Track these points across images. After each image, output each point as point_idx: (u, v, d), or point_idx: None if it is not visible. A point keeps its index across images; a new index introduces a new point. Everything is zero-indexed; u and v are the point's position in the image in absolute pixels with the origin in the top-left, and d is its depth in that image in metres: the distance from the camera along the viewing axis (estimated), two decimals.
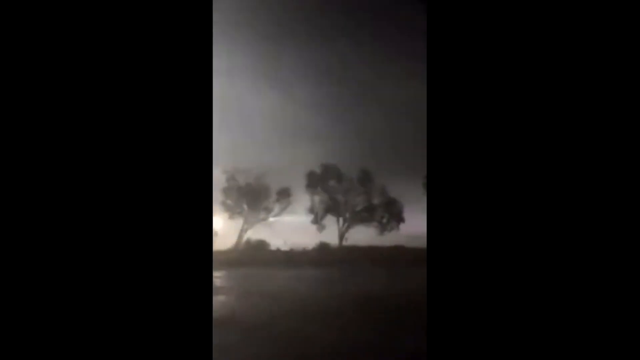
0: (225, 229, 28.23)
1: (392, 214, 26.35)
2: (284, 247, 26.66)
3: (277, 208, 27.55)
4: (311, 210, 26.36)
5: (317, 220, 26.17)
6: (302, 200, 26.93)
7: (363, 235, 26.15)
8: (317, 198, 26.01)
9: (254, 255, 25.40)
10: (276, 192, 27.45)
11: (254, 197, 27.19)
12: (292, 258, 24.60)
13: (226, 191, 27.41)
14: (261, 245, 27.10)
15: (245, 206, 27.54)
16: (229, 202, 27.55)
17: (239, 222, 27.99)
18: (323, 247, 25.97)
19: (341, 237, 26.50)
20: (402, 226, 26.64)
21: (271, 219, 27.93)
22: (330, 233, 26.49)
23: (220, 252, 25.43)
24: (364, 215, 26.08)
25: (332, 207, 25.85)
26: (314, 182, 26.23)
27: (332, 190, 26.01)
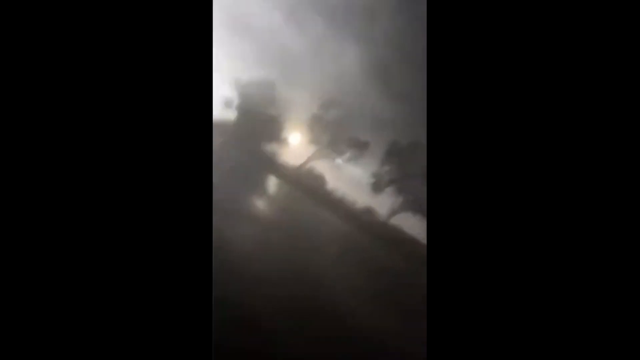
0: (298, 150, 29.55)
1: None
2: (337, 193, 27.29)
3: (349, 153, 27.69)
4: (376, 174, 25.99)
5: (380, 188, 25.88)
6: (374, 161, 26.67)
7: (413, 224, 25.43)
8: (386, 167, 25.34)
9: (307, 187, 26.44)
10: (352, 138, 27.40)
11: (335, 133, 27.53)
12: (337, 206, 25.22)
13: (314, 118, 28.04)
14: (320, 179, 28.03)
15: (325, 138, 28.13)
16: (313, 129, 28.28)
17: (311, 150, 28.84)
18: (368, 212, 26.04)
19: (390, 214, 26.17)
20: None
21: (339, 161, 28.38)
22: (383, 205, 26.22)
23: (286, 168, 26.98)
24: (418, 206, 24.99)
25: (396, 181, 25.15)
26: (395, 151, 25.49)
27: (405, 164, 25.04)
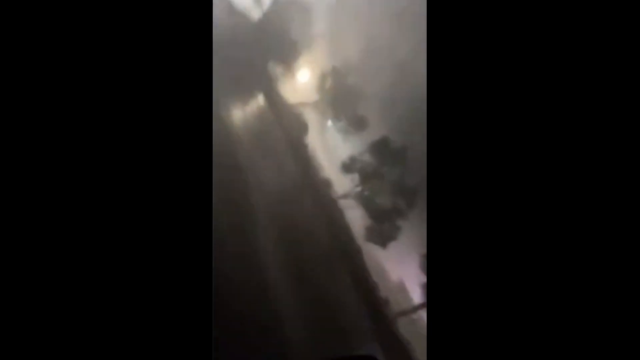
0: (299, 88, 28.72)
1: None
2: (309, 149, 26.89)
3: (344, 123, 27.08)
4: (353, 158, 25.67)
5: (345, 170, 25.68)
6: (360, 145, 26.36)
7: (353, 216, 25.79)
8: (366, 157, 25.14)
9: (286, 127, 25.84)
10: (357, 114, 26.75)
11: (344, 98, 26.67)
12: (302, 160, 25.02)
13: (333, 71, 26.95)
14: (303, 128, 27.47)
15: (331, 95, 27.27)
16: (325, 80, 27.25)
17: (312, 97, 27.96)
18: (326, 183, 26.05)
19: (341, 196, 26.34)
20: None
21: (329, 123, 27.86)
22: (341, 186, 26.29)
23: (278, 97, 26.09)
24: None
25: (364, 174, 25.02)
26: (383, 150, 25.10)
27: (383, 167, 24.93)
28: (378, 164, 24.37)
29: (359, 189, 25.20)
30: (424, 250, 22.57)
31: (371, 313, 21.61)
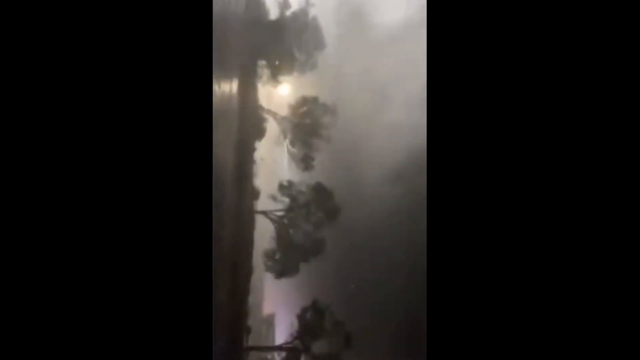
0: (274, 98, 28.56)
1: None
2: (254, 152, 26.31)
3: (297, 148, 26.84)
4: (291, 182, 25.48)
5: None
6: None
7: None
8: (305, 189, 25.01)
9: (249, 125, 25.30)
10: (310, 155, 26.83)
11: (306, 134, 26.77)
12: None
13: (312, 102, 27.22)
14: (260, 132, 26.98)
15: (287, 136, 27.41)
16: (300, 107, 27.39)
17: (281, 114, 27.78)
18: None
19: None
20: None
21: (286, 142, 27.49)
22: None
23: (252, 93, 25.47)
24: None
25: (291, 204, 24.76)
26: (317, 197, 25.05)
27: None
28: (310, 202, 24.33)
29: (280, 213, 24.78)
30: (308, 303, 22.26)
31: (228, 335, 20.39)
